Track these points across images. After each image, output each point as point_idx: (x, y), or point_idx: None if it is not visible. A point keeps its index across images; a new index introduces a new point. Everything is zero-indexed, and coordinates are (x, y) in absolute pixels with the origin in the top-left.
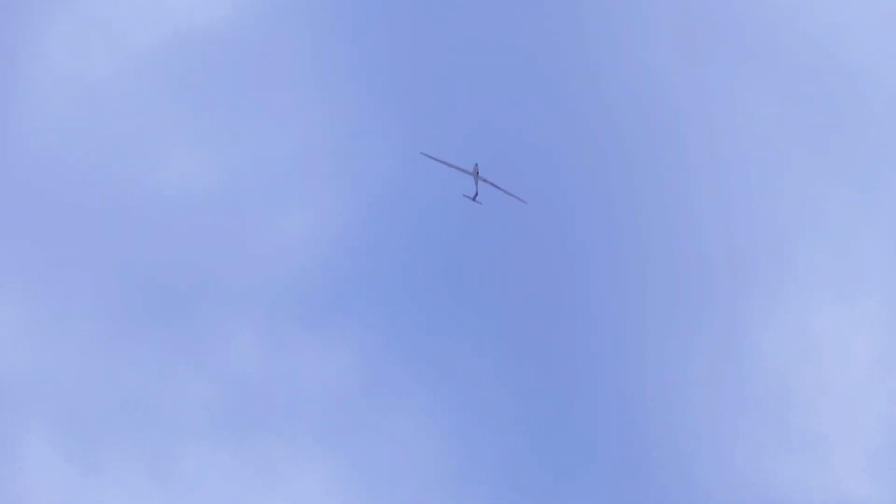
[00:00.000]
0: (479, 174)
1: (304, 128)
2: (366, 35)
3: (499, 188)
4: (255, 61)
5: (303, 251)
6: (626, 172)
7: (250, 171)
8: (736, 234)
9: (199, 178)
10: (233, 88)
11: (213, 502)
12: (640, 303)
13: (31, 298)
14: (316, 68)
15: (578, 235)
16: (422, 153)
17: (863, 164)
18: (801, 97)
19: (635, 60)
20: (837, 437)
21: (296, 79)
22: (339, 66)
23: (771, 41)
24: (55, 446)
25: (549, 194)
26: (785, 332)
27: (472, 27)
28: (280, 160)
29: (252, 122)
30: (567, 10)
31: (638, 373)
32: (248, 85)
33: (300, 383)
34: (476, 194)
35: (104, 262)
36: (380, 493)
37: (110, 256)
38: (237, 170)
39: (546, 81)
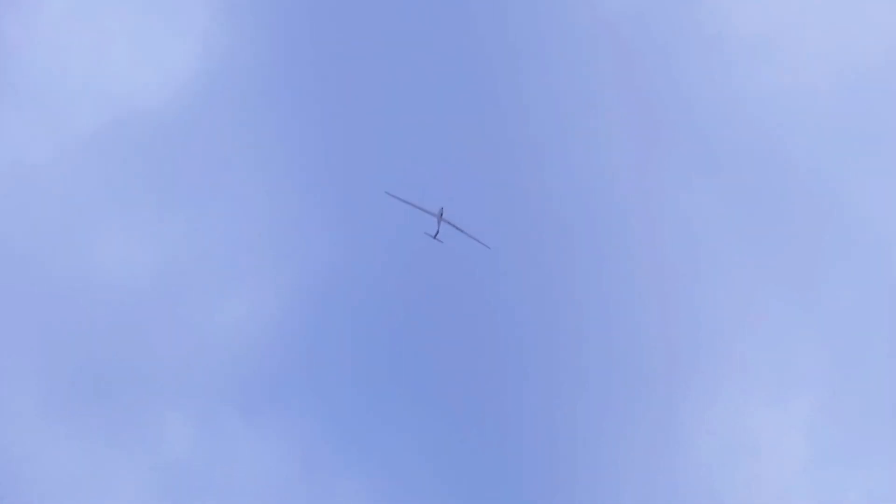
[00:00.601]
0: (444, 216)
1: (242, 216)
2: (302, 123)
3: (461, 231)
4: (193, 148)
5: (238, 339)
6: (568, 262)
7: (187, 259)
8: (674, 331)
9: (136, 265)
10: (170, 175)
11: None
12: (576, 395)
13: None
14: (253, 156)
15: (517, 324)
16: (386, 192)
17: (799, 268)
18: (744, 200)
19: (588, 154)
20: None
21: (232, 167)
22: (275, 153)
23: (718, 145)
24: None
25: (491, 293)
26: (719, 429)
27: (407, 119)
28: (217, 248)
29: (189, 209)
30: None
31: (570, 465)
32: (185, 172)
33: (235, 470)
34: (437, 233)
35: (40, 348)
36: None
37: (46, 342)
38: (174, 257)
39: (496, 176)
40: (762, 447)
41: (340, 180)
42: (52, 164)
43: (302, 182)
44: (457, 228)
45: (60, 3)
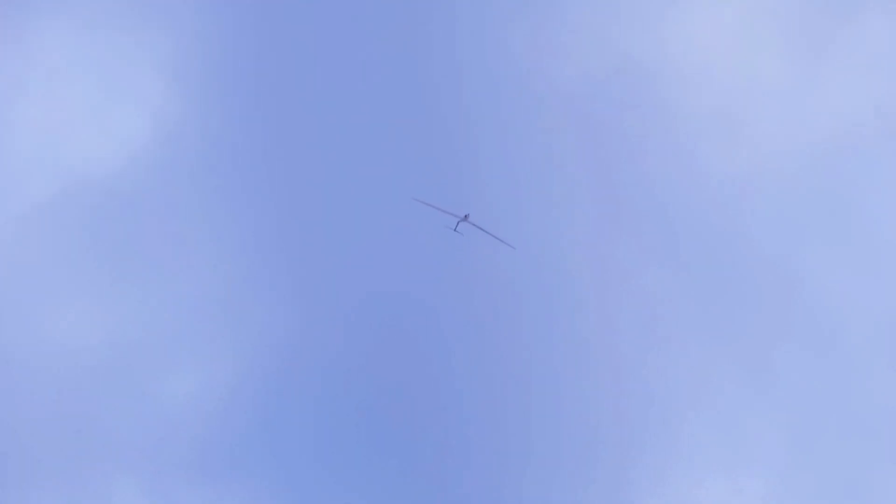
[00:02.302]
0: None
1: (196, 282)
2: (255, 194)
3: (487, 233)
4: (145, 218)
5: (193, 410)
6: (520, 334)
7: (140, 329)
8: (626, 407)
9: (88, 333)
10: (123, 245)
11: None
12: (524, 469)
13: None
14: (206, 226)
15: (465, 396)
16: (414, 199)
17: (754, 347)
18: (701, 278)
19: (545, 226)
20: None
21: (186, 237)
22: (228, 223)
23: (677, 221)
24: None
25: (429, 360)
26: (670, 501)
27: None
28: (171, 319)
29: (142, 279)
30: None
31: None
32: (138, 242)
33: None
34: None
35: None
36: None
37: None
38: (127, 324)
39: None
40: None
41: (294, 250)
42: (2, 233)
43: (257, 251)
44: (481, 229)
45: (10, 72)
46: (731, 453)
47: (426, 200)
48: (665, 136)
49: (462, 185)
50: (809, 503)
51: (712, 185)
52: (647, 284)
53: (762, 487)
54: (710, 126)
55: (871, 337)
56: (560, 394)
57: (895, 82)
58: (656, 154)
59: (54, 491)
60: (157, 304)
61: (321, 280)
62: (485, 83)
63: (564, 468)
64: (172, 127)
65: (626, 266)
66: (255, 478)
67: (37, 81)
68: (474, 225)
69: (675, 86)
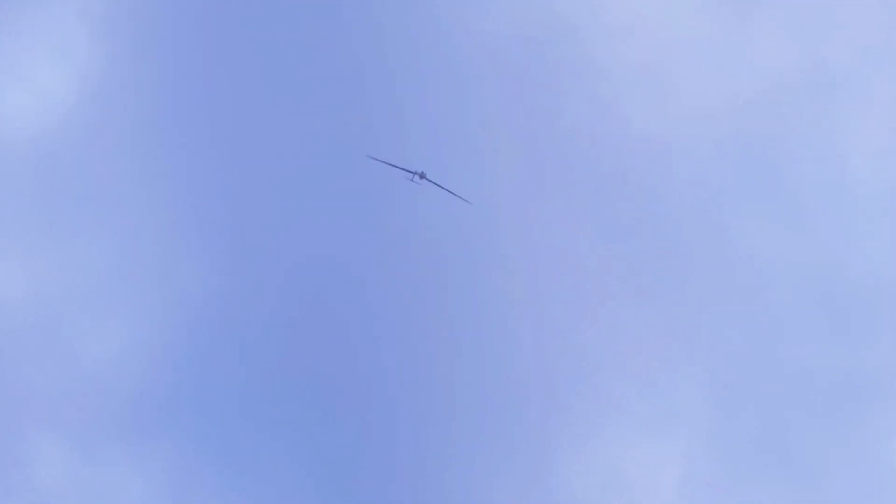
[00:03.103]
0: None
1: (121, 240)
2: (181, 148)
3: (442, 188)
4: (70, 174)
5: (117, 365)
6: (445, 291)
7: (66, 282)
8: (551, 367)
9: (12, 288)
10: (48, 201)
11: None
12: (449, 428)
13: None
14: (131, 181)
15: (390, 349)
16: (368, 156)
17: (678, 305)
18: (625, 235)
19: (474, 178)
20: None
21: (110, 192)
22: (154, 178)
23: (602, 176)
24: None
25: (356, 319)
26: (594, 465)
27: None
28: (96, 273)
29: (68, 234)
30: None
31: (442, 500)
32: (63, 198)
33: (109, 495)
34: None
35: None
36: None
37: None
38: (52, 280)
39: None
40: (637, 484)
41: (222, 203)
42: None
43: (183, 206)
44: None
45: None
46: (658, 415)
47: (381, 158)
48: (590, 92)
49: (389, 140)
50: (730, 462)
51: (638, 142)
52: (572, 243)
53: (685, 447)
54: (635, 82)
55: (795, 296)
56: (485, 352)
57: (821, 39)
58: (581, 111)
59: None
60: (83, 260)
61: (252, 238)
62: (409, 39)
63: (489, 428)
64: (100, 83)
65: (552, 224)
66: (181, 435)
67: None
68: (430, 181)
69: (601, 41)
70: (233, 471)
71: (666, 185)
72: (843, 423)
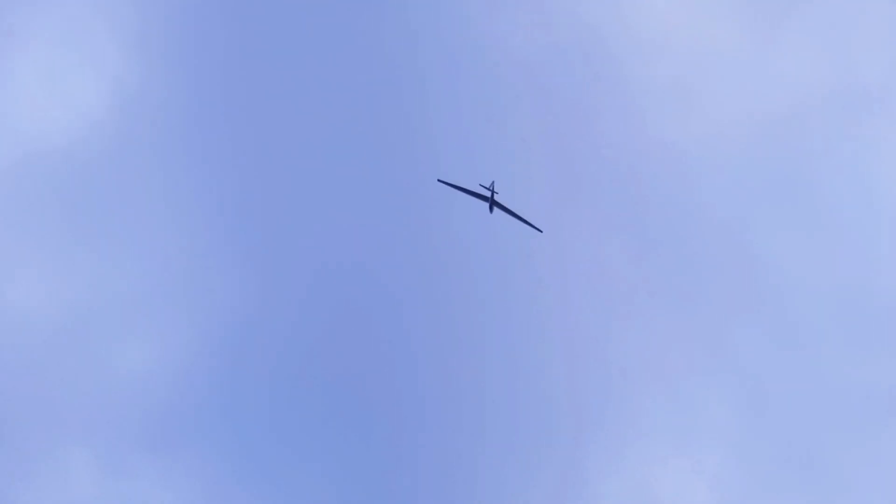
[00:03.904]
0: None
1: (153, 255)
2: (214, 162)
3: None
4: (103, 187)
5: (147, 379)
6: (477, 312)
7: (97, 295)
8: (582, 382)
9: (45, 304)
10: (81, 214)
11: None
12: (482, 443)
13: None
14: (164, 195)
15: (421, 370)
16: (439, 180)
17: (708, 321)
18: (656, 253)
19: (503, 196)
20: None
21: (143, 206)
22: (186, 193)
23: (632, 195)
24: None
25: (385, 333)
26: (625, 481)
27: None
28: (128, 288)
29: (100, 248)
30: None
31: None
32: (96, 211)
33: None
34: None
35: None
36: None
37: None
38: (83, 293)
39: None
40: (668, 498)
41: (253, 221)
42: None
43: (215, 222)
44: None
45: None
46: (688, 429)
47: (452, 182)
48: (620, 106)
49: (423, 154)
50: (763, 478)
51: (668, 155)
52: (604, 257)
53: (718, 463)
54: (666, 96)
55: (826, 311)
56: (517, 368)
57: (851, 54)
58: (611, 124)
59: (10, 457)
60: (114, 273)
61: (281, 252)
62: (443, 53)
63: (521, 444)
64: (132, 95)
65: (583, 238)
66: (210, 449)
67: None
68: (501, 207)
69: (632, 55)
70: (261, 485)
71: (696, 198)
72: (875, 437)
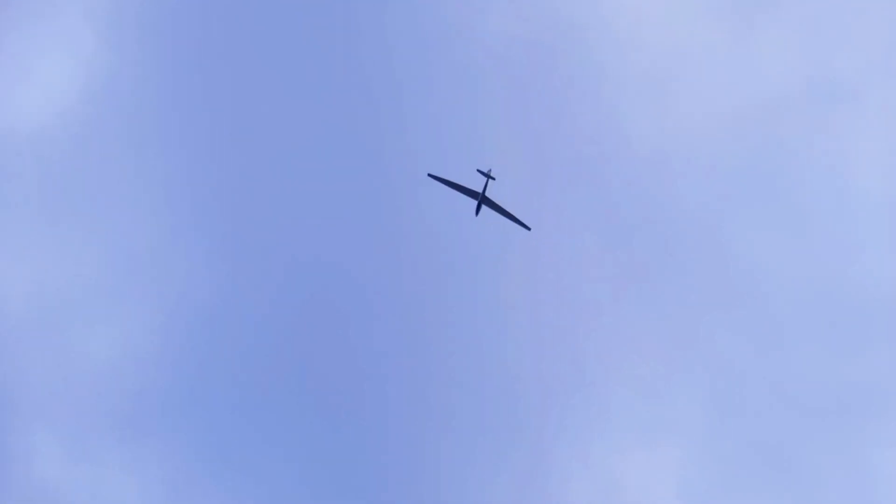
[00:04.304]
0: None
1: (123, 242)
2: (186, 147)
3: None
4: (72, 171)
5: (115, 362)
6: (445, 301)
7: (65, 284)
8: (548, 376)
9: (11, 289)
10: (50, 198)
11: None
12: (447, 434)
13: None
14: (134, 179)
15: (386, 357)
16: (429, 174)
17: (675, 314)
18: (623, 246)
19: (472, 187)
20: None
21: (112, 190)
22: (157, 177)
23: (602, 186)
24: None
25: (352, 321)
26: (592, 475)
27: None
28: (96, 271)
29: (68, 231)
30: None
31: (434, 500)
32: (65, 195)
33: (104, 494)
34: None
35: None
36: None
37: None
38: (52, 282)
39: None
40: (634, 492)
41: (224, 204)
42: None
43: (185, 205)
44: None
45: None
46: (655, 423)
47: (442, 176)
48: (594, 99)
49: (391, 143)
50: (727, 470)
51: (641, 149)
52: (576, 251)
53: (685, 458)
54: (641, 91)
55: (795, 305)
56: (485, 362)
57: (827, 50)
58: (585, 117)
59: None
60: (82, 260)
61: (252, 240)
62: (414, 42)
63: (486, 435)
64: (103, 80)
65: (556, 232)
66: (177, 435)
67: None
68: (490, 203)
69: (606, 48)
70: (228, 471)
71: (668, 192)
72: (841, 433)
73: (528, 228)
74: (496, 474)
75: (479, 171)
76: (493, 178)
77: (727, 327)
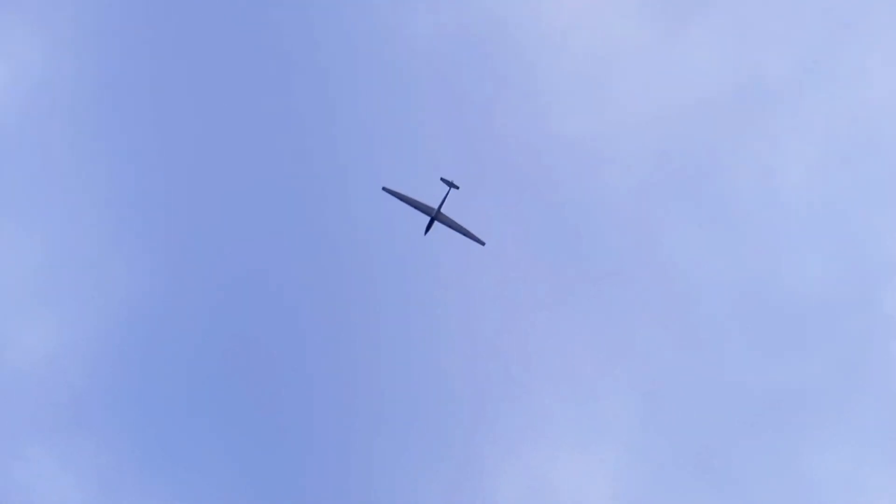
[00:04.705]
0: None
1: (55, 240)
2: (124, 141)
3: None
4: (6, 161)
5: (45, 363)
6: (367, 298)
7: None
8: (478, 376)
9: None
10: None
11: None
12: (375, 437)
13: None
14: (70, 177)
15: (315, 358)
16: (384, 188)
17: (607, 316)
18: (554, 248)
19: (398, 185)
20: None
21: (49, 182)
22: (96, 171)
23: (528, 185)
24: None
25: (291, 321)
26: (522, 477)
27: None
28: (29, 269)
29: (3, 227)
30: None
31: (365, 501)
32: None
33: (40, 491)
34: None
35: None
36: None
37: None
38: None
39: None
40: (566, 496)
41: (160, 202)
42: None
43: (124, 201)
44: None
45: None
46: (584, 425)
47: (396, 190)
48: (523, 98)
49: (316, 141)
50: (659, 475)
51: (570, 149)
52: (505, 252)
53: (616, 460)
54: (569, 89)
55: (726, 309)
56: (414, 364)
57: (757, 52)
58: (513, 116)
59: None
60: (17, 253)
61: (190, 235)
62: (341, 37)
63: (415, 441)
64: (37, 74)
65: (484, 231)
66: (112, 434)
67: None
68: (443, 221)
69: (536, 45)
70: (165, 467)
71: (597, 194)
72: (772, 434)
73: (483, 243)
74: (427, 476)
75: (442, 179)
76: (457, 188)
77: (658, 330)
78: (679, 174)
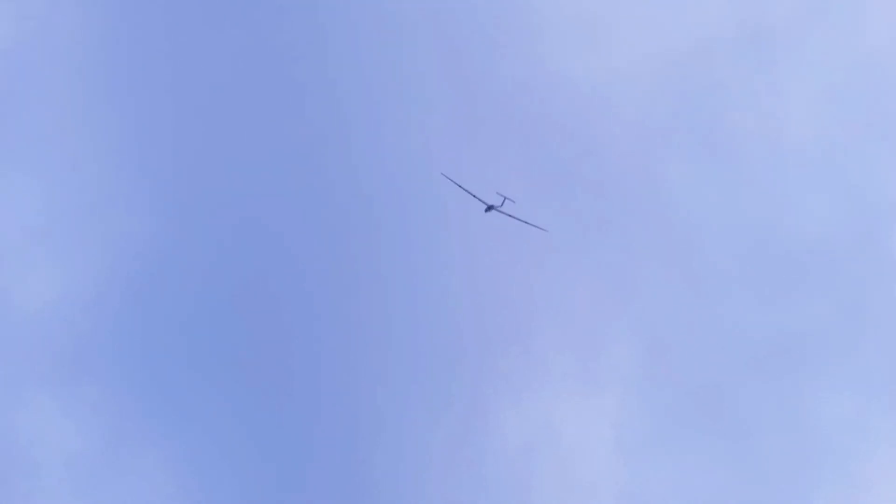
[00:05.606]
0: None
1: (61, 186)
2: (125, 93)
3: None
4: (5, 109)
5: (47, 312)
6: (379, 255)
7: (1, 228)
8: (483, 325)
9: None
10: None
11: None
12: (382, 386)
13: None
14: (72, 121)
15: (320, 308)
16: (442, 174)
17: (609, 262)
18: (555, 194)
19: (398, 136)
20: None
21: (51, 133)
22: (98, 120)
23: (533, 132)
24: None
25: (293, 275)
26: (528, 416)
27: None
28: (31, 220)
29: (6, 178)
30: None
31: (375, 456)
32: (2, 140)
33: (38, 440)
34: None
35: None
36: None
37: None
38: None
39: None
40: (571, 440)
41: (160, 158)
42: None
43: (128, 151)
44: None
45: None
46: (588, 369)
47: (454, 179)
48: (524, 45)
49: (321, 103)
50: (663, 419)
51: (573, 95)
52: (504, 195)
53: (618, 403)
54: (571, 31)
55: (729, 253)
56: (419, 310)
57: None
58: (515, 63)
59: None
60: (20, 202)
61: (192, 187)
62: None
63: (423, 384)
64: (46, 17)
65: (485, 175)
66: (113, 381)
67: None
68: (500, 210)
69: None
70: (166, 415)
71: (600, 139)
72: (775, 377)
73: (545, 230)
74: (433, 425)
75: (498, 193)
76: (514, 201)
77: (661, 276)
78: (681, 115)
